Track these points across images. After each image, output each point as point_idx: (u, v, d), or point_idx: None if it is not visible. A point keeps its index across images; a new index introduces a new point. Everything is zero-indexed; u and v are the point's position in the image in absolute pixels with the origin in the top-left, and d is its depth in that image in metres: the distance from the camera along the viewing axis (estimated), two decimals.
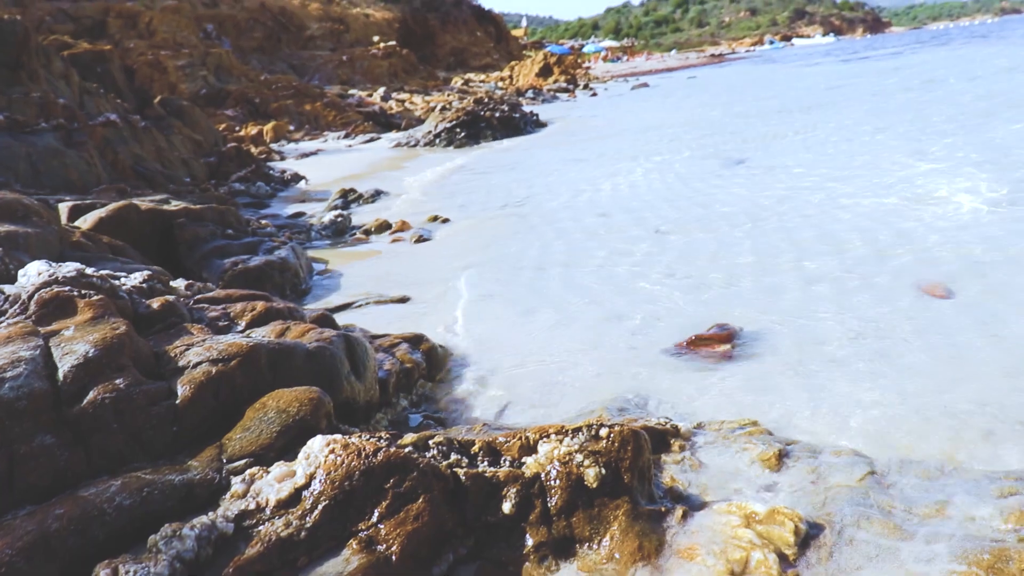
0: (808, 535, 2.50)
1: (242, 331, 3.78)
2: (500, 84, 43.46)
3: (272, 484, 2.47)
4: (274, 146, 20.86)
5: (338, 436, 2.59)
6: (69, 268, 3.57)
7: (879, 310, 4.96)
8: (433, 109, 22.60)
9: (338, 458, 2.47)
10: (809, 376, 4.11)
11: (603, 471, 2.58)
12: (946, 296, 5.13)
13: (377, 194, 11.71)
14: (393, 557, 2.32)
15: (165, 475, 2.49)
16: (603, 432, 2.69)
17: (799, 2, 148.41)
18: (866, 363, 4.19)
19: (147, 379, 2.86)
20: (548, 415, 3.89)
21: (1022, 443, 3.22)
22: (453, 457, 2.68)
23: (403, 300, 6.08)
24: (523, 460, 2.68)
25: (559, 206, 9.69)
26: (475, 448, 2.76)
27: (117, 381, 2.73)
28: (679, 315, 5.24)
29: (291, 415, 2.81)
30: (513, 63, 52.23)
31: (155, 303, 3.61)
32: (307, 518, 2.35)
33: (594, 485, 2.56)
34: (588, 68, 63.80)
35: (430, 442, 2.74)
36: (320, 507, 2.37)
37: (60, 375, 2.67)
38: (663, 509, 2.65)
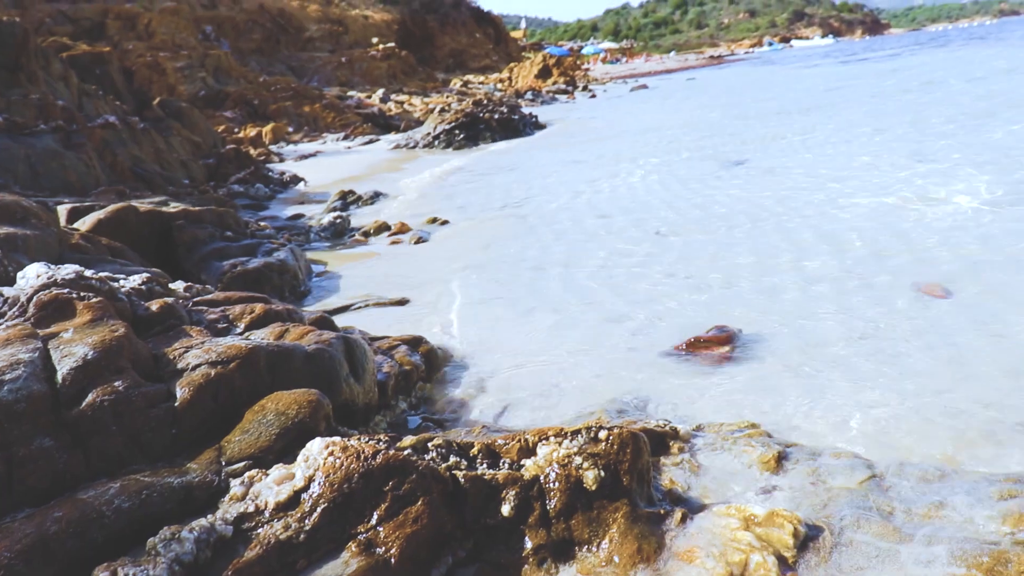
0: (807, 537, 2.50)
1: (241, 333, 3.77)
2: (499, 86, 43.49)
3: (271, 487, 2.46)
4: (273, 148, 20.86)
5: (337, 438, 2.58)
6: (68, 270, 3.57)
7: (878, 311, 4.97)
8: (432, 111, 22.60)
9: (337, 460, 2.47)
10: (808, 377, 4.11)
11: (602, 473, 2.58)
12: (945, 296, 5.13)
13: (376, 196, 11.71)
14: (392, 560, 2.32)
15: (164, 478, 2.49)
16: (602, 434, 2.69)
17: (798, 4, 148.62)
18: (865, 364, 4.19)
19: (146, 381, 2.85)
20: (547, 417, 3.89)
21: (1022, 444, 3.22)
22: (452, 459, 2.68)
23: (402, 302, 6.08)
24: (522, 462, 2.68)
25: (558, 208, 9.69)
26: (474, 450, 2.76)
27: (116, 383, 2.73)
28: (679, 316, 5.24)
29: (290, 417, 2.81)
30: (512, 65, 52.27)
31: (154, 305, 3.61)
32: (306, 521, 2.35)
33: (593, 487, 2.56)
34: (587, 70, 63.84)
35: (429, 444, 2.74)
36: (319, 510, 2.37)
37: (59, 377, 2.67)
38: (662, 511, 2.65)
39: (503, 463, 2.71)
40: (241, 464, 2.63)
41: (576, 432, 2.71)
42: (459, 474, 2.59)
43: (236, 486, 2.51)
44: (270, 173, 14.20)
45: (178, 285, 4.72)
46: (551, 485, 2.57)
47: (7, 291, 3.49)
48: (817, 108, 19.01)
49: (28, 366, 2.64)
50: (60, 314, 3.16)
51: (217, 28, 40.54)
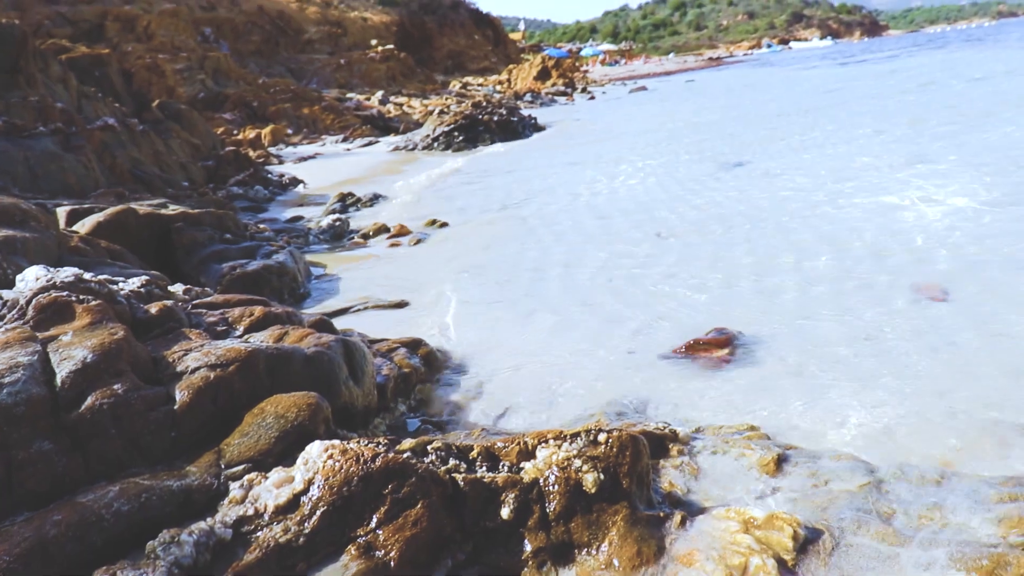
0: (807, 540, 2.50)
1: (240, 336, 3.77)
2: (498, 87, 43.52)
3: (270, 490, 2.46)
4: (272, 150, 20.85)
5: (336, 441, 2.58)
6: (67, 273, 3.57)
7: (878, 312, 4.97)
8: (431, 113, 22.61)
9: (336, 464, 2.47)
10: (808, 380, 4.11)
11: (601, 476, 2.58)
12: (943, 298, 5.14)
13: (375, 198, 11.71)
14: (391, 563, 2.32)
15: (163, 481, 2.49)
16: (601, 437, 2.69)
17: (797, 6, 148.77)
18: (865, 366, 4.20)
19: (145, 384, 2.85)
20: (547, 419, 3.89)
21: (1022, 445, 3.22)
22: (451, 462, 2.68)
23: (401, 305, 6.08)
24: (521, 465, 2.68)
25: (558, 209, 9.69)
26: (473, 453, 2.76)
27: (115, 386, 2.73)
28: (678, 318, 5.25)
29: (289, 420, 2.81)
30: (511, 66, 52.28)
31: (153, 308, 3.61)
32: (305, 524, 2.35)
33: (592, 490, 2.56)
34: (586, 71, 63.89)
35: (428, 447, 2.74)
36: (318, 513, 2.37)
37: (58, 380, 2.67)
38: (662, 514, 2.65)
39: (502, 466, 2.71)
40: (240, 467, 2.63)
41: (575, 435, 2.71)
42: (458, 477, 2.59)
43: (235, 489, 2.51)
44: (269, 175, 14.20)
45: (177, 288, 4.72)
46: (550, 488, 2.57)
47: (6, 294, 3.49)
48: (816, 109, 19.03)
49: (27, 369, 2.63)
50: (59, 317, 3.16)
51: (216, 30, 40.54)
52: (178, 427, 2.76)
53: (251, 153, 17.67)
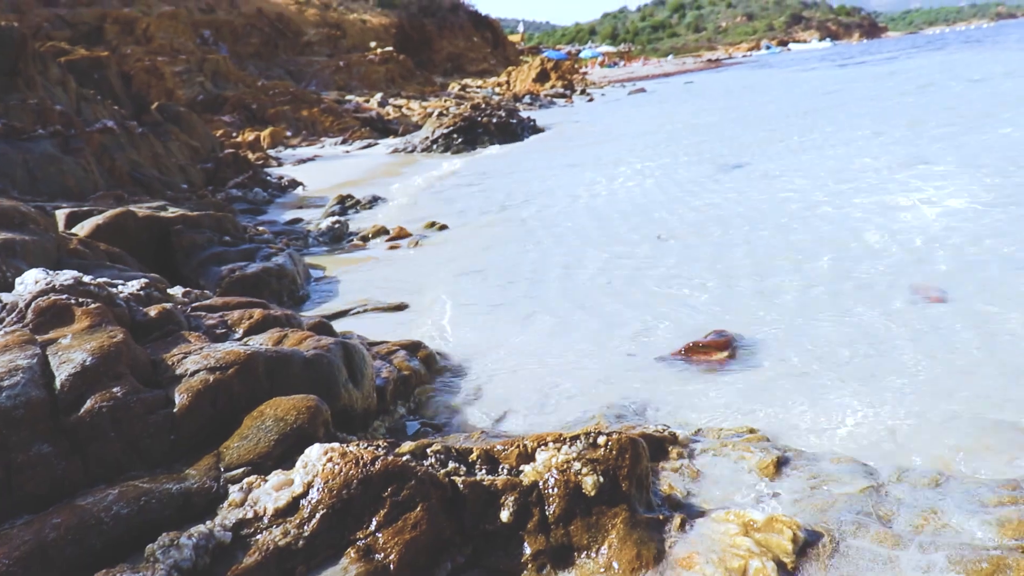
0: (807, 543, 2.50)
1: (239, 339, 3.77)
2: (497, 89, 43.54)
3: (270, 493, 2.46)
4: (271, 152, 20.86)
5: (336, 444, 2.58)
6: (66, 276, 3.57)
7: (877, 314, 4.98)
8: (430, 115, 22.61)
9: (336, 466, 2.47)
10: (807, 382, 4.11)
11: (601, 479, 2.58)
12: (942, 298, 5.14)
13: (375, 200, 11.71)
14: (391, 566, 2.32)
15: (163, 484, 2.48)
16: (601, 440, 2.69)
17: (796, 7, 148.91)
18: (864, 367, 4.20)
19: (145, 387, 2.85)
20: (546, 422, 3.88)
21: (1022, 448, 3.22)
22: (451, 465, 2.68)
23: (401, 307, 6.08)
24: (521, 468, 2.68)
25: (557, 212, 9.70)
26: (473, 456, 2.75)
27: (114, 389, 2.72)
28: (678, 320, 5.25)
29: (289, 423, 2.80)
30: (510, 68, 52.34)
31: (152, 311, 3.60)
32: (305, 527, 2.35)
33: (592, 493, 2.56)
34: (585, 73, 63.91)
35: (428, 450, 2.74)
36: (318, 516, 2.37)
37: (57, 383, 2.67)
38: (661, 517, 2.65)
39: (502, 469, 2.71)
40: (240, 470, 2.63)
41: (575, 437, 2.71)
42: (458, 480, 2.59)
43: (235, 492, 2.51)
44: (268, 177, 14.20)
45: (176, 290, 4.72)
46: (550, 491, 2.57)
47: (6, 297, 3.48)
48: (815, 111, 19.05)
49: (27, 372, 2.63)
50: (58, 320, 3.16)
51: (215, 32, 40.56)
52: (177, 430, 2.76)
53: (250, 155, 17.67)
